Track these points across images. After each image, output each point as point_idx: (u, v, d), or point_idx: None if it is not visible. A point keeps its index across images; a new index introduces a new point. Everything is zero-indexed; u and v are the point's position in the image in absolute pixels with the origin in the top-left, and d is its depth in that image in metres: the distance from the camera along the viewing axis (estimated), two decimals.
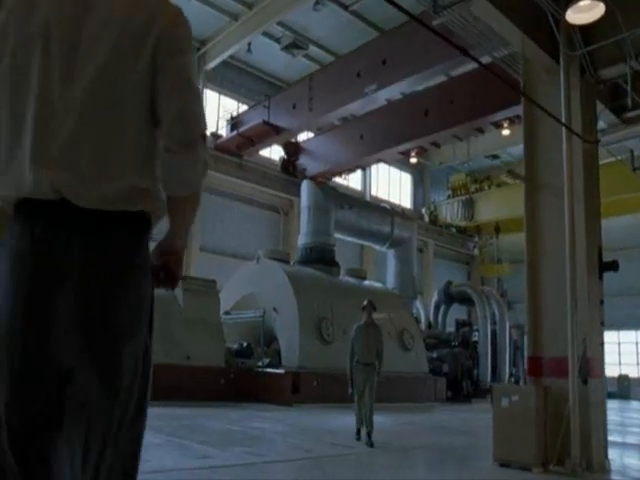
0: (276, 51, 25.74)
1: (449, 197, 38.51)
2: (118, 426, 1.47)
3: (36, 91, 1.44)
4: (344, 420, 11.67)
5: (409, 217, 23.98)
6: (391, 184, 36.11)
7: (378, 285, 20.46)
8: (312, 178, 26.72)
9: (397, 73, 18.51)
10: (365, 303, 9.05)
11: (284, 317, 15.64)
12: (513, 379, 22.42)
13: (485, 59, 7.97)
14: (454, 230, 38.66)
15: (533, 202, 7.05)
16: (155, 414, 11.05)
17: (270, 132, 23.54)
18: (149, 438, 7.12)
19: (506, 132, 22.58)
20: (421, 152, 24.48)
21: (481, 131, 22.06)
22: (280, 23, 24.53)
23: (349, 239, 21.71)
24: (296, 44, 25.56)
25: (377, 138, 23.73)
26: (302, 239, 18.86)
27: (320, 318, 15.90)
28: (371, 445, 7.60)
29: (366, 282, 19.59)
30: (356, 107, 21.20)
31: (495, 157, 38.72)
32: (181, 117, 1.55)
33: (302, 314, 15.57)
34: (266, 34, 25.14)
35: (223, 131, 25.64)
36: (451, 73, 23.16)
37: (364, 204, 22.37)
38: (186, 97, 1.57)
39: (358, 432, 8.27)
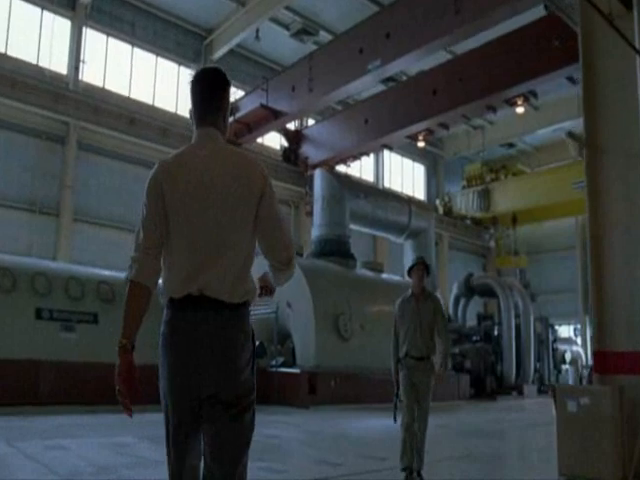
0: (285, 38, 24.76)
1: (464, 188, 37.44)
2: (235, 433, 2.24)
3: (190, 235, 2.27)
4: (368, 424, 10.69)
5: (426, 207, 22.87)
6: (404, 175, 35.07)
7: (397, 278, 19.45)
8: (315, 166, 25.73)
9: (402, 46, 17.43)
10: (415, 262, 5.89)
11: (299, 313, 14.66)
12: (538, 374, 21.39)
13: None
14: (469, 222, 37.62)
15: (596, 169, 6.03)
16: (155, 421, 10.14)
17: (268, 116, 22.42)
18: (151, 453, 5.78)
19: (520, 110, 21.25)
20: (429, 135, 23.32)
21: (493, 109, 20.78)
22: (289, 8, 23.53)
23: (363, 230, 20.70)
24: (306, 30, 24.57)
25: (382, 121, 22.65)
26: (316, 231, 17.87)
27: (337, 313, 14.93)
28: None
29: (384, 275, 18.58)
30: (359, 85, 20.16)
31: (511, 145, 37.65)
32: (284, 246, 2.42)
33: (318, 309, 14.60)
34: (275, 20, 24.16)
35: None
36: (457, 51, 22.03)
37: (380, 193, 21.33)
38: (282, 232, 2.40)
39: (406, 471, 5.51)
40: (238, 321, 2.25)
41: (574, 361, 24.12)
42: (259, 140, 25.82)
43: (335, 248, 17.12)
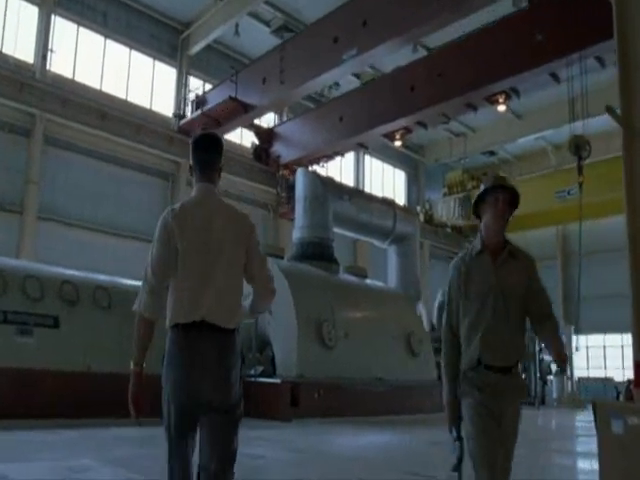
0: (265, 35, 23.79)
1: (445, 195, 36.85)
2: (228, 428, 2.66)
3: (195, 272, 2.71)
4: (359, 441, 9.74)
5: (411, 211, 22.07)
6: (385, 181, 34.36)
7: (380, 284, 18.57)
8: (286, 166, 24.76)
9: (379, 35, 16.66)
10: (492, 183, 3.17)
11: (280, 319, 13.62)
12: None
13: None
14: (449, 230, 37.07)
15: (634, 153, 5.21)
16: (124, 439, 9.07)
17: (238, 110, 21.41)
18: None
19: (502, 108, 20.29)
20: (407, 134, 22.42)
21: (473, 108, 19.97)
22: (269, 3, 22.66)
23: (345, 234, 19.80)
24: (287, 27, 23.67)
25: (358, 119, 21.70)
26: (297, 233, 16.90)
27: (320, 320, 13.97)
28: None
29: (368, 281, 17.68)
30: (333, 76, 19.33)
31: (492, 154, 37.27)
32: (267, 276, 2.87)
33: (300, 315, 13.62)
34: (255, 16, 23.24)
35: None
36: (437, 45, 21.11)
37: (365, 196, 20.43)
38: (266, 266, 2.90)
39: None
40: (231, 344, 2.68)
41: (558, 373, 23.44)
42: (229, 137, 24.81)
43: (317, 251, 16.18)
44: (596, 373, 32.02)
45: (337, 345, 13.97)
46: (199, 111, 22.36)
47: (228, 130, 23.00)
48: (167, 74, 23.85)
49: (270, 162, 24.90)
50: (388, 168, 35.27)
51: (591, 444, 10.71)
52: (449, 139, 35.26)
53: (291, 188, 24.67)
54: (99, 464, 5.94)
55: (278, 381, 12.61)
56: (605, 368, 32.64)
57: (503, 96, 19.11)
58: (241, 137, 25.86)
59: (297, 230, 16.93)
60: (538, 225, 34.97)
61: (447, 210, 36.44)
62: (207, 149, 2.93)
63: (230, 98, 21.11)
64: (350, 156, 31.80)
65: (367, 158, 32.98)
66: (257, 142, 25.26)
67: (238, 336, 2.73)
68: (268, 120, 26.40)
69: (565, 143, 33.55)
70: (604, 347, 33.39)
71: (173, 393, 2.60)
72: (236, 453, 2.66)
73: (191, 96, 23.78)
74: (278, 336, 13.90)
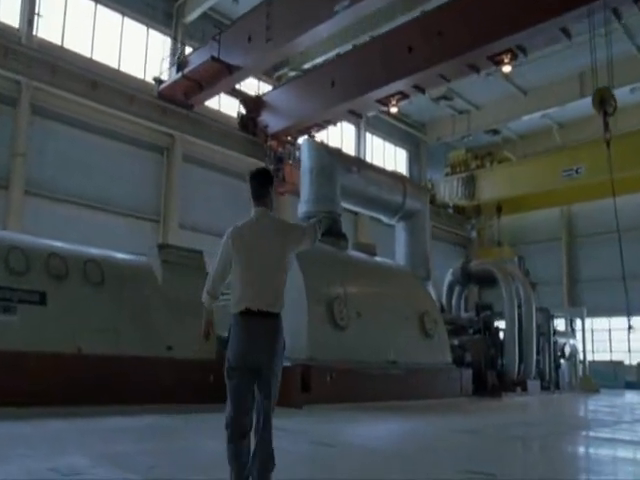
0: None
1: (447, 175, 35.83)
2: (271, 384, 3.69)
3: (249, 272, 3.75)
4: (385, 429, 8.75)
5: (421, 187, 20.96)
6: (386, 160, 33.25)
7: (390, 262, 17.52)
8: (274, 136, 23.47)
9: None
10: None
11: (288, 297, 12.53)
12: (537, 369, 19.74)
13: None
14: (451, 211, 36.08)
15: None
16: (129, 429, 7.99)
17: (221, 72, 20.11)
18: None
19: (507, 69, 18.83)
20: (403, 100, 20.92)
21: (476, 69, 18.56)
22: None
23: (349, 208, 18.72)
24: None
25: (351, 83, 20.27)
26: (303, 207, 15.77)
27: (332, 299, 12.91)
28: None
29: (377, 258, 16.62)
30: (323, 30, 17.93)
31: (495, 132, 36.14)
32: (311, 232, 4.05)
33: (310, 293, 12.55)
34: None
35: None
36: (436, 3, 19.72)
37: (374, 168, 19.29)
38: (305, 230, 4.07)
39: None
40: (276, 325, 3.77)
41: (571, 356, 22.53)
42: (215, 107, 23.53)
43: (328, 224, 15.07)
44: (602, 357, 31.23)
45: (349, 325, 12.93)
46: (180, 74, 20.95)
47: (211, 95, 21.77)
48: (162, 43, 22.58)
49: (257, 132, 23.59)
50: (389, 147, 34.20)
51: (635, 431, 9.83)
52: (452, 116, 34.15)
53: (279, 160, 23.45)
54: (90, 463, 4.85)
55: (287, 364, 11.52)
56: (611, 352, 31.84)
57: (509, 55, 17.78)
58: (219, 105, 24.46)
59: (303, 204, 15.82)
60: (543, 205, 34.04)
61: (450, 190, 35.40)
62: (262, 184, 3.92)
63: (212, 58, 19.79)
64: (351, 134, 30.72)
65: (368, 136, 31.87)
66: (244, 111, 23.93)
67: (281, 319, 3.79)
68: (256, 90, 25.08)
69: (570, 120, 32.89)
70: (609, 330, 32.57)
71: (234, 359, 3.66)
72: (276, 395, 3.73)
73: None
74: (286, 315, 12.81)
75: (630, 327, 15.82)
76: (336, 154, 16.58)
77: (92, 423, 7.73)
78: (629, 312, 15.24)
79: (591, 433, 9.00)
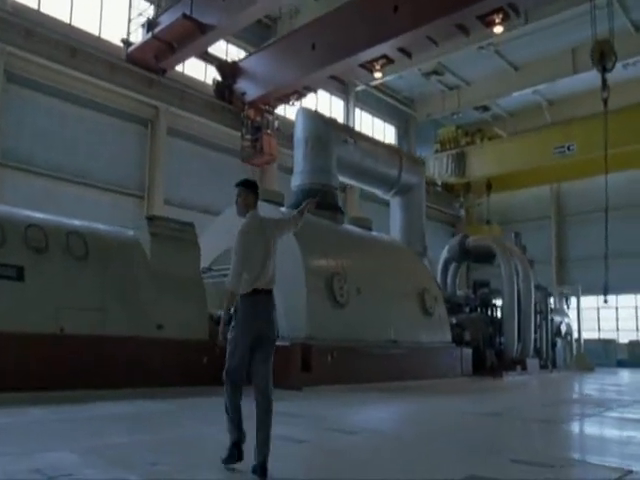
0: None
1: (437, 152, 35.15)
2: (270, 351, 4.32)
3: (255, 259, 4.37)
4: (400, 412, 8.11)
5: (417, 160, 20.22)
6: (375, 136, 32.31)
7: (387, 237, 16.85)
8: (251, 104, 22.36)
9: None
10: None
11: (285, 273, 11.74)
12: (535, 347, 19.27)
13: None
14: (439, 189, 35.47)
15: None
16: (115, 415, 7.13)
17: (194, 31, 18.82)
18: None
19: (498, 29, 17.33)
20: (387, 64, 19.35)
21: (465, 30, 17.14)
22: None
23: (343, 184, 17.92)
24: None
25: (332, 46, 18.89)
26: (297, 179, 15.01)
27: (331, 274, 12.19)
28: None
29: (374, 233, 15.93)
30: None
31: (485, 109, 35.51)
32: (292, 222, 4.82)
33: (309, 268, 11.84)
34: None
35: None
36: None
37: (371, 140, 18.51)
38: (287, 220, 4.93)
39: None
40: (273, 299, 4.40)
41: (566, 334, 22.14)
42: (188, 72, 22.37)
43: (321, 199, 14.30)
44: (590, 335, 31.02)
45: (349, 302, 12.24)
46: (149, 34, 19.72)
47: (183, 58, 20.43)
48: (146, 11, 21.42)
49: (234, 100, 22.47)
50: (378, 122, 33.42)
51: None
52: (442, 92, 33.41)
53: (257, 130, 22.29)
54: (80, 460, 4.08)
55: (286, 343, 10.80)
56: (599, 330, 31.65)
57: (500, 15, 16.56)
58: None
59: (296, 176, 15.05)
60: (533, 183, 33.64)
61: (439, 167, 34.75)
62: (255, 194, 4.69)
63: (184, 16, 18.49)
64: (340, 109, 29.87)
65: (357, 111, 31.03)
66: (219, 78, 22.78)
67: (272, 295, 4.44)
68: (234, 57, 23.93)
69: (560, 98, 32.34)
70: (598, 309, 32.32)
71: (240, 331, 4.24)
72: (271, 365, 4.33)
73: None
74: (283, 292, 12.07)
75: (606, 301, 15.49)
76: (332, 124, 15.79)
77: (78, 411, 6.95)
78: (606, 289, 14.81)
79: (615, 414, 8.42)
